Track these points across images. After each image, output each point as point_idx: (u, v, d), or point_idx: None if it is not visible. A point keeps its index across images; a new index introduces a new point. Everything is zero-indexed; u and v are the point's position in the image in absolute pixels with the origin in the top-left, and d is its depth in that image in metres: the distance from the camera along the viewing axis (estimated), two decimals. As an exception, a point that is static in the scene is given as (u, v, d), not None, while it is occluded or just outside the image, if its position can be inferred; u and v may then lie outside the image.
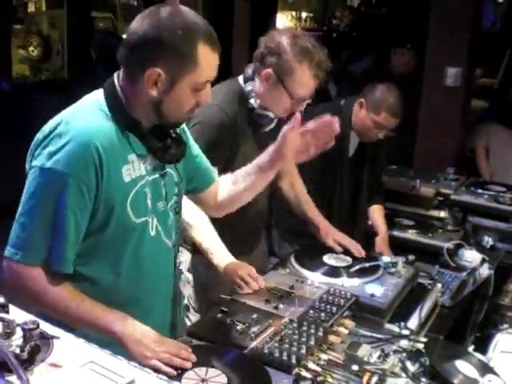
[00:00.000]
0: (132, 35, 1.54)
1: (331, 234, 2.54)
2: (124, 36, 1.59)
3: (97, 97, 1.63)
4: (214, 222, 2.24)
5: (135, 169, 1.61)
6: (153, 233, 1.69)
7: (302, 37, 2.22)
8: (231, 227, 2.34)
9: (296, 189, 2.67)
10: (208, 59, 1.56)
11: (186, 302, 2.48)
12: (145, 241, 1.66)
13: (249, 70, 2.31)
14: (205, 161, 1.97)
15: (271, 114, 2.28)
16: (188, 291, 2.46)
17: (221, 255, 2.19)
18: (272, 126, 2.32)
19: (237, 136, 2.27)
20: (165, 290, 1.82)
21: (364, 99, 2.91)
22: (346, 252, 2.37)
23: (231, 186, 1.96)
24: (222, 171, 2.25)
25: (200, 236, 2.22)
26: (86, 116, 1.56)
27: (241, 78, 2.35)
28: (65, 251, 1.52)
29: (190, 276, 2.46)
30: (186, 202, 2.18)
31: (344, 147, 2.97)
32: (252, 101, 2.27)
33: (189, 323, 2.46)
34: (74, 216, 1.50)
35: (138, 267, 1.68)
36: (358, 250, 2.44)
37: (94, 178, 1.51)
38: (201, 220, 2.21)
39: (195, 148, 1.93)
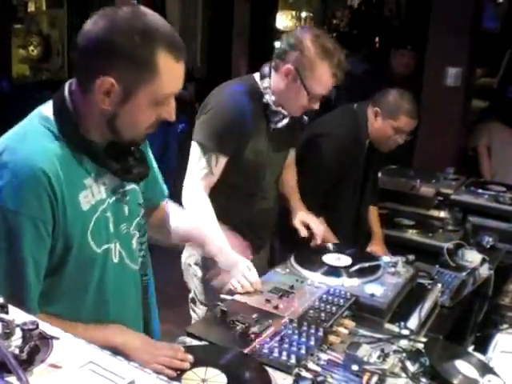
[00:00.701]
0: (83, 38, 1.37)
1: (300, 215, 2.60)
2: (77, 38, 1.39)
3: (45, 113, 1.45)
4: (220, 217, 2.26)
5: (94, 193, 1.46)
6: (116, 259, 1.55)
7: (324, 36, 2.29)
8: (238, 227, 2.38)
9: (286, 176, 2.71)
10: (170, 69, 1.39)
11: (192, 295, 2.51)
12: (108, 270, 1.53)
13: (266, 68, 2.36)
14: (159, 176, 1.85)
15: (285, 112, 2.33)
16: (195, 284, 2.48)
17: (218, 245, 2.14)
18: (284, 123, 2.36)
19: (248, 128, 2.30)
20: (133, 315, 1.69)
21: (378, 108, 2.89)
22: (346, 252, 2.37)
23: (173, 222, 1.89)
24: (231, 163, 2.29)
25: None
26: (33, 140, 1.38)
27: (257, 75, 2.39)
28: (27, 295, 1.38)
29: (197, 269, 2.47)
30: (189, 191, 2.21)
31: (362, 152, 2.97)
32: (267, 97, 2.31)
33: (194, 315, 2.48)
34: (33, 258, 1.36)
35: (102, 298, 1.55)
36: (319, 235, 2.52)
37: (49, 211, 1.35)
38: (203, 208, 2.23)
39: (152, 160, 1.77)
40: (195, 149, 2.28)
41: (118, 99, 1.38)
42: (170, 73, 1.40)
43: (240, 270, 2.05)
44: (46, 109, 1.46)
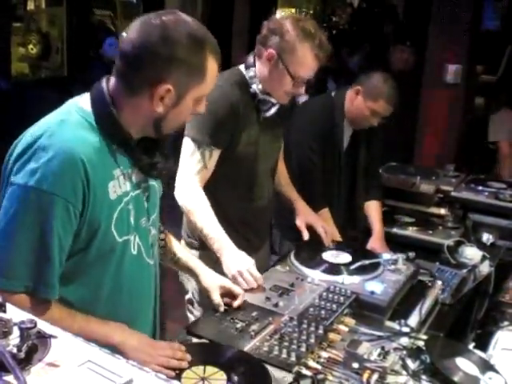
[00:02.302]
0: (136, 50, 1.44)
1: (304, 216, 2.59)
2: (122, 47, 1.47)
3: (81, 105, 1.51)
4: (219, 218, 2.23)
5: (121, 185, 1.51)
6: (134, 251, 1.59)
7: (305, 19, 2.27)
8: (236, 225, 2.36)
9: (279, 170, 2.69)
10: (213, 70, 1.52)
11: (189, 296, 2.48)
12: (125, 260, 1.56)
13: (250, 58, 2.34)
14: None
15: (273, 100, 2.31)
16: (193, 285, 2.46)
17: (221, 241, 2.16)
18: (273, 110, 2.34)
19: (239, 121, 2.29)
20: (145, 311, 1.73)
21: (360, 86, 2.92)
22: (347, 249, 2.36)
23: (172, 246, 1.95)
24: (225, 157, 2.28)
25: (200, 221, 2.20)
26: (71, 127, 1.44)
27: (242, 66, 2.38)
28: (51, 277, 1.42)
29: None
30: (184, 186, 2.19)
31: (339, 140, 2.99)
32: (254, 86, 2.30)
33: (191, 317, 2.47)
34: (59, 239, 1.40)
35: (118, 288, 1.58)
36: (327, 238, 2.51)
37: (80, 197, 1.40)
38: (201, 204, 2.21)
39: None
40: (188, 144, 2.27)
41: (171, 103, 1.48)
42: (213, 74, 1.53)
43: (243, 266, 2.04)
44: (82, 101, 1.52)
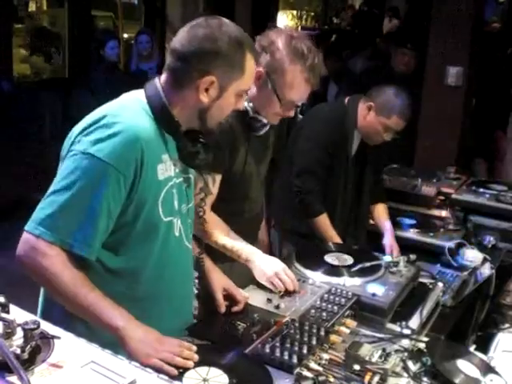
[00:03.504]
0: (185, 46, 1.63)
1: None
2: (172, 45, 1.67)
3: (138, 97, 1.68)
4: None
5: (167, 169, 1.66)
6: (177, 233, 1.73)
7: (299, 38, 2.12)
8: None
9: None
10: (251, 68, 1.70)
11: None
12: (169, 241, 1.70)
13: None
14: None
15: (264, 120, 2.20)
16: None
17: (247, 250, 2.13)
18: (265, 130, 2.24)
19: (234, 140, 2.20)
20: (183, 293, 1.85)
21: (373, 102, 2.88)
22: (349, 252, 2.37)
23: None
24: (223, 177, 2.22)
25: (221, 239, 2.15)
26: (133, 113, 1.61)
27: None
28: (91, 237, 1.53)
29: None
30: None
31: (348, 146, 2.96)
32: (245, 103, 2.14)
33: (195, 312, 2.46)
34: (108, 205, 1.53)
35: (161, 266, 1.71)
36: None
37: (132, 175, 1.55)
38: (215, 224, 2.16)
39: None
40: None
41: (214, 95, 1.65)
42: (251, 71, 1.72)
43: (278, 267, 2.04)
44: (136, 94, 1.70)
